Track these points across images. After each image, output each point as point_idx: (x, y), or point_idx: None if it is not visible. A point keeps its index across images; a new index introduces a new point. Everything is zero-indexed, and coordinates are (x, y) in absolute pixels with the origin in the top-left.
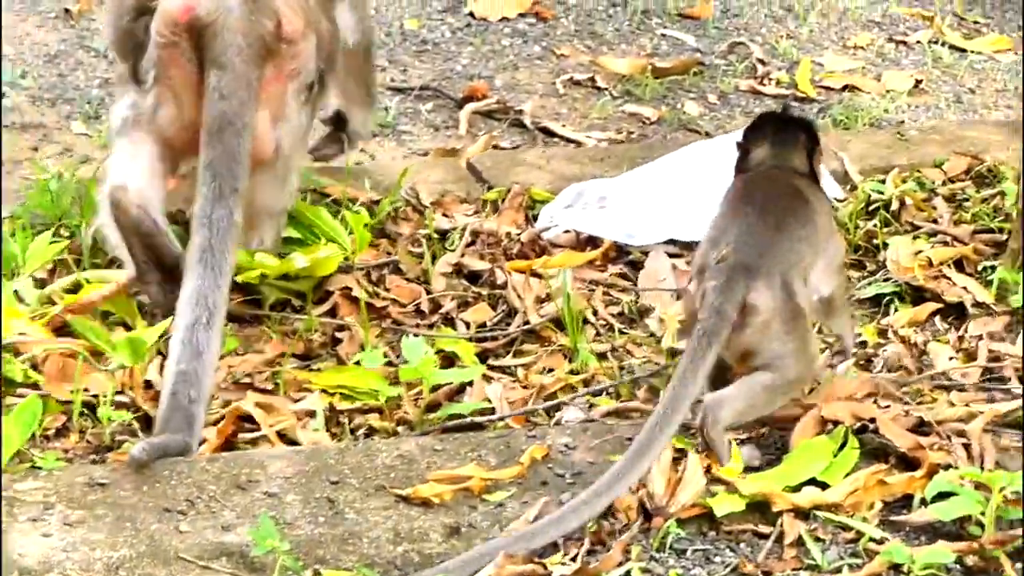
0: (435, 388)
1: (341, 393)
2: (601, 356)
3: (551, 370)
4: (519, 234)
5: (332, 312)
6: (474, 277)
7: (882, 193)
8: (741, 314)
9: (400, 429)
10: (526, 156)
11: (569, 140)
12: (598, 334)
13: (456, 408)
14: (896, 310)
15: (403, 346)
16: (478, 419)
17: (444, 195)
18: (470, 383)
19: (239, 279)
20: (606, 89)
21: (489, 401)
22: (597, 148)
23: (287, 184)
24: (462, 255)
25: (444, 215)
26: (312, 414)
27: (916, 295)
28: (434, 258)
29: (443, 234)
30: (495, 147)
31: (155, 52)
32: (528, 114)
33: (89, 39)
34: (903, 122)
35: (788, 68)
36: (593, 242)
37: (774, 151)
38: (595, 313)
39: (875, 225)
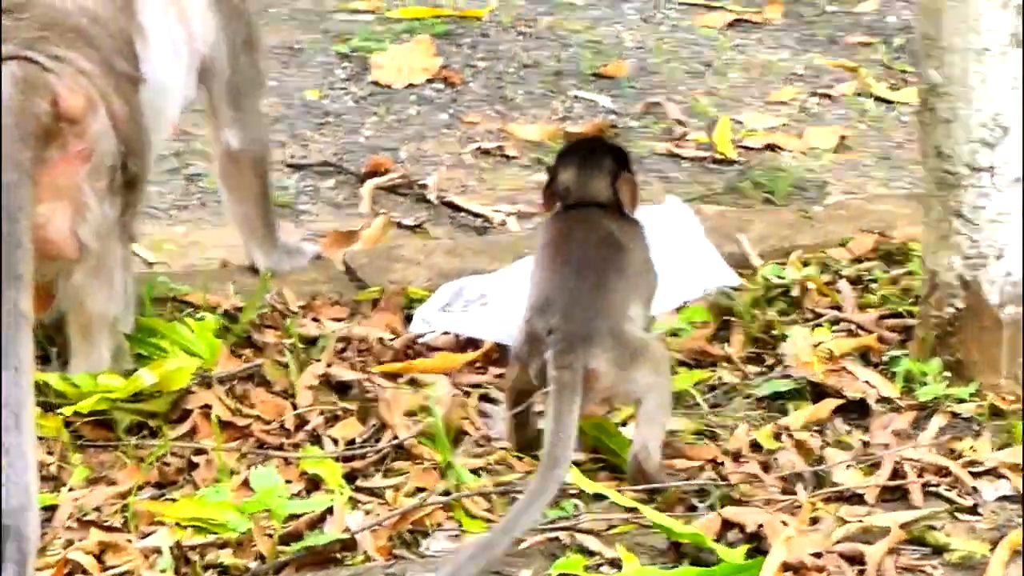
0: (292, 517)
1: (195, 526)
2: (477, 472)
3: (422, 490)
4: (392, 339)
5: (193, 432)
6: (344, 388)
7: (782, 278)
8: (586, 380)
9: (253, 565)
10: (403, 251)
11: (475, 214)
12: (478, 446)
13: (312, 540)
14: (796, 409)
15: (251, 476)
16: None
17: (315, 297)
18: (329, 510)
19: (81, 408)
20: (515, 158)
21: (349, 531)
22: (480, 240)
23: (112, 286)
24: (329, 365)
25: (314, 319)
26: (160, 551)
27: (816, 392)
28: (302, 368)
29: (312, 341)
30: (398, 225)
31: None
32: (433, 188)
33: None
34: (826, 183)
35: (708, 127)
36: (474, 344)
37: (580, 180)
38: (473, 423)
39: (775, 315)
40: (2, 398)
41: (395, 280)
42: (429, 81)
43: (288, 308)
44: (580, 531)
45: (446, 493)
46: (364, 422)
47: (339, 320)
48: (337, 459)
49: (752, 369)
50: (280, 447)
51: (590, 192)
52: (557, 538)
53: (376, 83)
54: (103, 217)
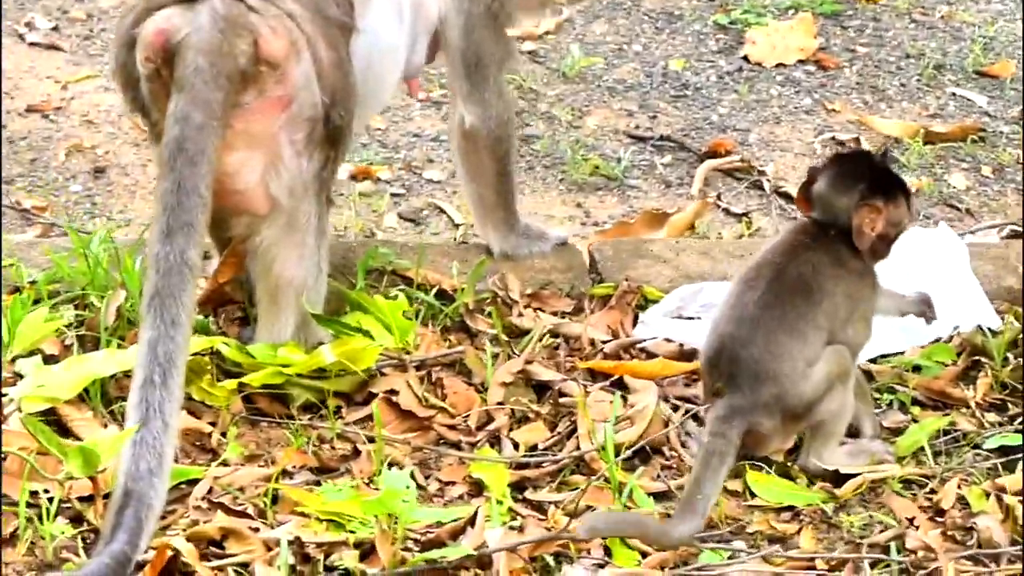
0: (437, 524)
1: (333, 520)
2: (659, 496)
3: (592, 508)
4: (608, 341)
5: (371, 418)
6: (543, 388)
7: None
8: (746, 437)
9: (374, 572)
10: (653, 247)
11: None
12: (667, 468)
13: (439, 553)
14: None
15: (382, 475)
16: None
17: (545, 287)
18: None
19: (252, 380)
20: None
21: (486, 546)
22: (739, 242)
23: (304, 250)
24: (529, 361)
25: (537, 310)
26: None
27: None
28: (505, 361)
29: (525, 333)
30: (726, 211)
31: (144, 84)
32: (771, 175)
33: None
34: None
35: None
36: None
37: (828, 192)
38: (668, 440)
39: None
40: (155, 351)
41: (634, 277)
42: (801, 62)
43: (509, 295)
44: None
45: None
46: (553, 428)
47: (562, 314)
48: (510, 465)
49: (992, 418)
50: (457, 445)
51: (833, 210)
52: None
53: (746, 59)
54: (298, 171)
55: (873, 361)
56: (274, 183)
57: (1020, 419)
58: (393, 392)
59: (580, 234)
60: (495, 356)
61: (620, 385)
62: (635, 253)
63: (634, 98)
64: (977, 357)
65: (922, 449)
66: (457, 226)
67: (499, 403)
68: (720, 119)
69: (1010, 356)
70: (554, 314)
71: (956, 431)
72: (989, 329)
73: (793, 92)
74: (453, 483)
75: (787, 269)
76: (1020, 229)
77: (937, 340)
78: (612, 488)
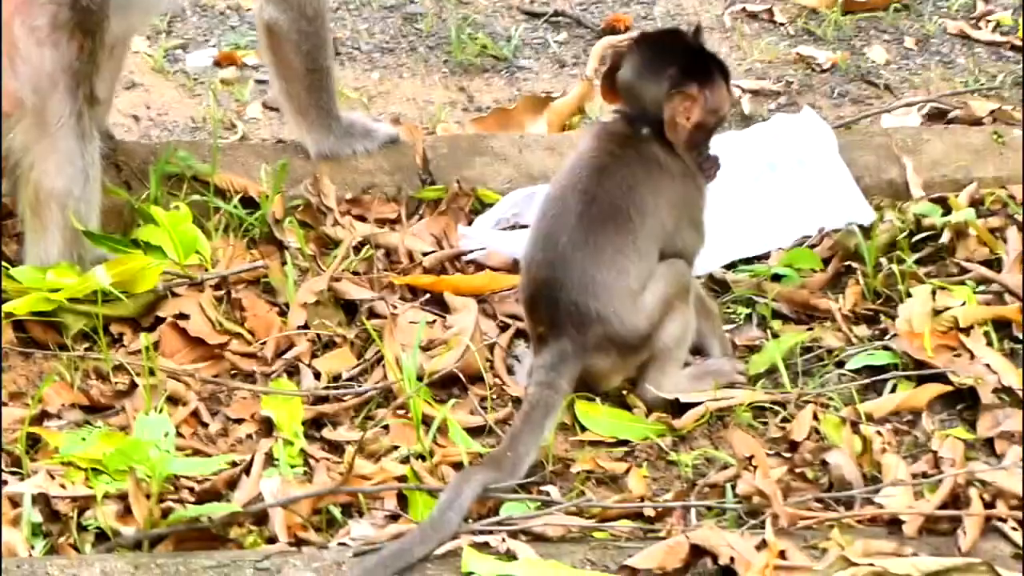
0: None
1: (97, 470)
2: (476, 432)
3: (397, 448)
4: (431, 253)
5: (158, 346)
6: (352, 308)
7: (932, 221)
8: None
9: (131, 532)
10: (493, 143)
11: None
12: (495, 398)
13: (198, 510)
14: (893, 390)
15: (136, 423)
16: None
17: (368, 190)
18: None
19: (16, 308)
20: (782, 25)
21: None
22: None
23: (64, 156)
24: (337, 279)
25: (358, 218)
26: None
27: (923, 373)
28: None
29: (338, 245)
30: None
31: None
32: None
33: None
34: None
35: (1015, 10)
36: None
37: (634, 82)
38: (492, 366)
39: (910, 265)
40: None
41: (469, 178)
42: None
43: (323, 202)
44: (527, 534)
45: (420, 457)
46: (361, 355)
47: (384, 222)
48: (307, 399)
49: (862, 332)
50: (252, 376)
51: (642, 101)
52: (487, 543)
53: None
54: (41, 64)
55: (730, 268)
56: (12, 78)
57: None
58: (183, 316)
59: (461, 120)
60: (304, 272)
61: (441, 304)
62: (472, 150)
63: None
64: (849, 263)
65: (777, 369)
66: None
67: (302, 327)
68: None
69: (884, 261)
70: (378, 222)
71: (820, 347)
72: (861, 227)
73: None
74: (242, 420)
75: (597, 194)
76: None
77: (802, 243)
78: (415, 423)
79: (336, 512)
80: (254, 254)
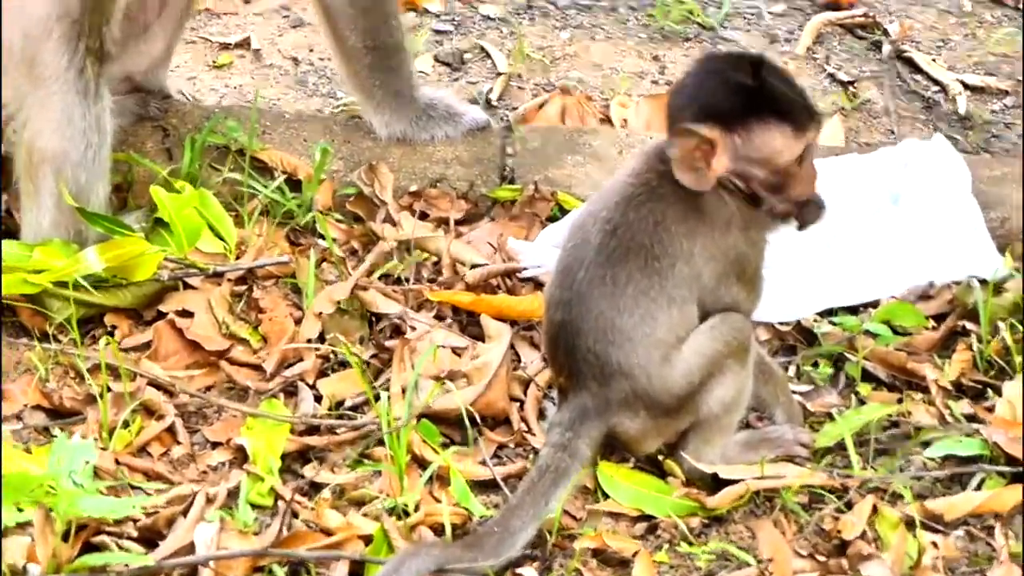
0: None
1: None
2: (483, 487)
3: (380, 498)
4: (481, 267)
5: (148, 347)
6: (380, 320)
7: None
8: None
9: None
10: (594, 139)
11: (933, 81)
12: (504, 447)
13: (100, 558)
14: (980, 486)
15: (54, 445)
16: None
17: (436, 184)
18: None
19: None
20: None
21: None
22: None
23: (62, 114)
24: (364, 288)
25: (424, 214)
26: None
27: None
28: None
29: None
30: (831, 78)
31: None
32: (895, 36)
33: None
34: None
35: None
36: None
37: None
38: (521, 405)
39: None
40: None
41: (554, 179)
42: None
43: (377, 193)
44: None
45: (400, 513)
46: (376, 377)
47: (444, 223)
48: (295, 428)
49: (963, 409)
50: (245, 392)
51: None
52: None
53: None
54: (31, 5)
55: (827, 315)
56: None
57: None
58: (187, 314)
59: (644, 93)
60: (308, 281)
61: (472, 329)
62: (567, 146)
63: None
64: (965, 322)
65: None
66: (499, 75)
67: (316, 339)
68: None
69: (1002, 325)
70: (439, 222)
71: (907, 423)
72: (982, 282)
73: None
74: (219, 444)
75: (619, 225)
76: None
77: (917, 293)
78: (396, 471)
79: (280, 573)
80: (292, 246)
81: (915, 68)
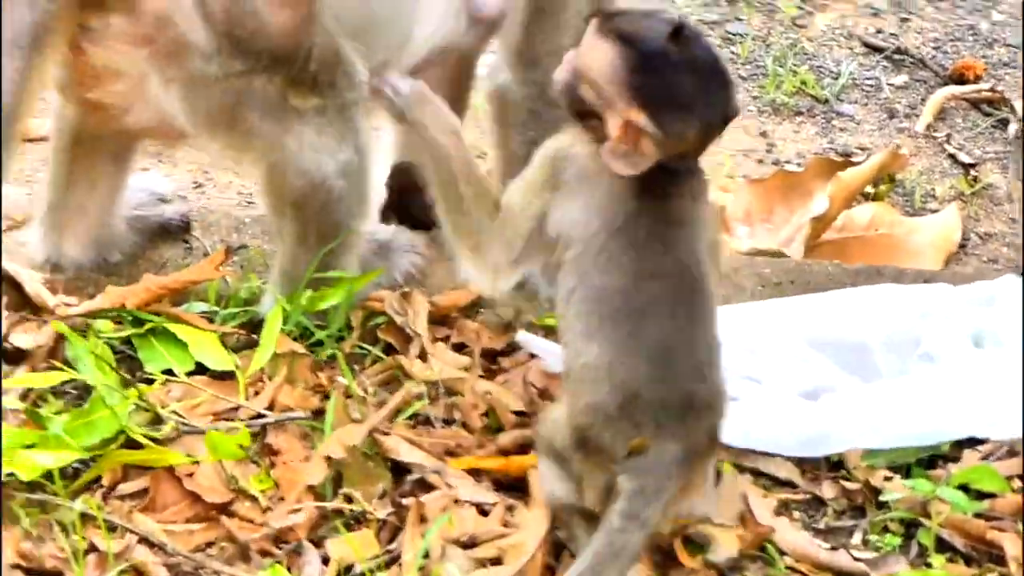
0: None
1: None
2: None
3: None
4: (520, 414)
5: (145, 493)
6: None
7: None
8: None
9: None
10: None
11: None
12: None
13: None
14: None
15: None
16: None
17: (475, 309)
18: None
19: None
20: None
21: None
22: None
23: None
24: (385, 433)
25: (458, 348)
26: None
27: None
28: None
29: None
30: (953, 159)
31: None
32: (1022, 113)
33: None
34: None
35: None
36: None
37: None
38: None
39: None
40: None
41: None
42: None
43: (409, 323)
44: None
45: None
46: (392, 539)
47: (484, 356)
48: None
49: None
50: (245, 550)
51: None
52: None
53: None
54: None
55: (907, 475)
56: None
57: None
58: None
59: (749, 174)
60: (326, 425)
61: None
62: None
63: None
64: None
65: None
66: None
67: (324, 486)
68: (990, 29)
69: None
70: (486, 356)
71: None
72: None
73: None
74: None
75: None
76: None
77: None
78: None
79: None
80: (307, 382)
81: None
